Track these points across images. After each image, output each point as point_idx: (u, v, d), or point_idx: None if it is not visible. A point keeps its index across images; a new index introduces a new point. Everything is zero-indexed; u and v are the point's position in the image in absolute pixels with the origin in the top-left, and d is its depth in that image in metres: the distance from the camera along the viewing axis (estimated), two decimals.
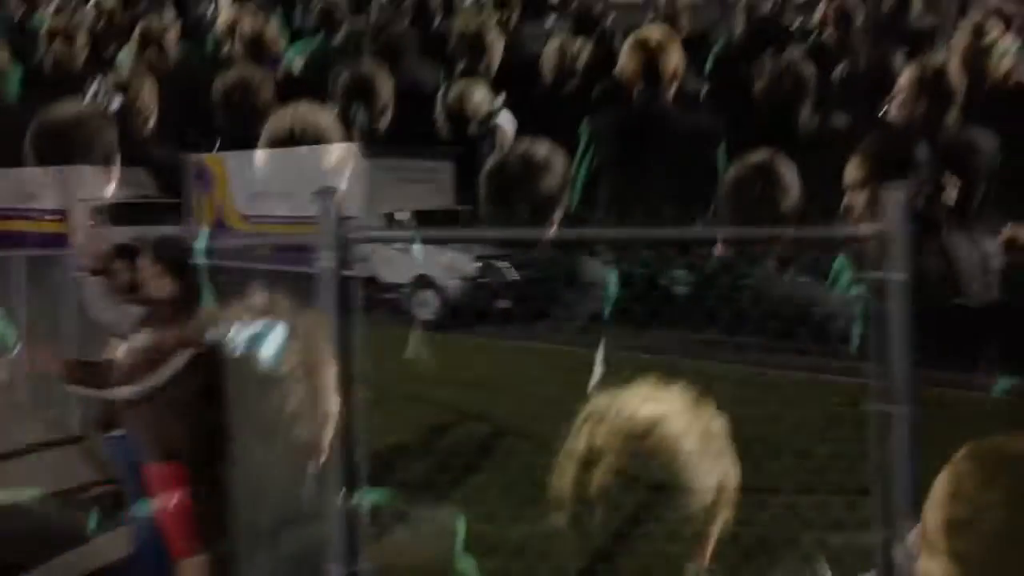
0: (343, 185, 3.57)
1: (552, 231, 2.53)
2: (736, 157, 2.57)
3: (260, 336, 1.22)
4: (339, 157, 4.37)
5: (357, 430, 1.93)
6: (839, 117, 3.89)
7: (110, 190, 3.41)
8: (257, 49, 4.63)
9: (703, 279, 2.59)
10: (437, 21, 5.54)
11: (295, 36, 5.89)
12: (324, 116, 2.66)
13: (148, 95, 3.52)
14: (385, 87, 3.56)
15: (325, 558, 1.58)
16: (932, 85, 3.57)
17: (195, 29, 5.97)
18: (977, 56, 4.45)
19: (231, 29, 5.05)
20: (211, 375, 1.72)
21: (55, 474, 3.34)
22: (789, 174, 2.41)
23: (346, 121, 3.48)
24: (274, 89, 3.78)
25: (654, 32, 4.05)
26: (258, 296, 1.37)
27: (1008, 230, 3.34)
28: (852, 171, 2.83)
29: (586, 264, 3.19)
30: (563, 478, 1.38)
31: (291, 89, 4.20)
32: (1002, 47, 4.59)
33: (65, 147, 3.41)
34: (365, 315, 1.63)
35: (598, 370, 2.58)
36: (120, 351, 2.15)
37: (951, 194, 2.90)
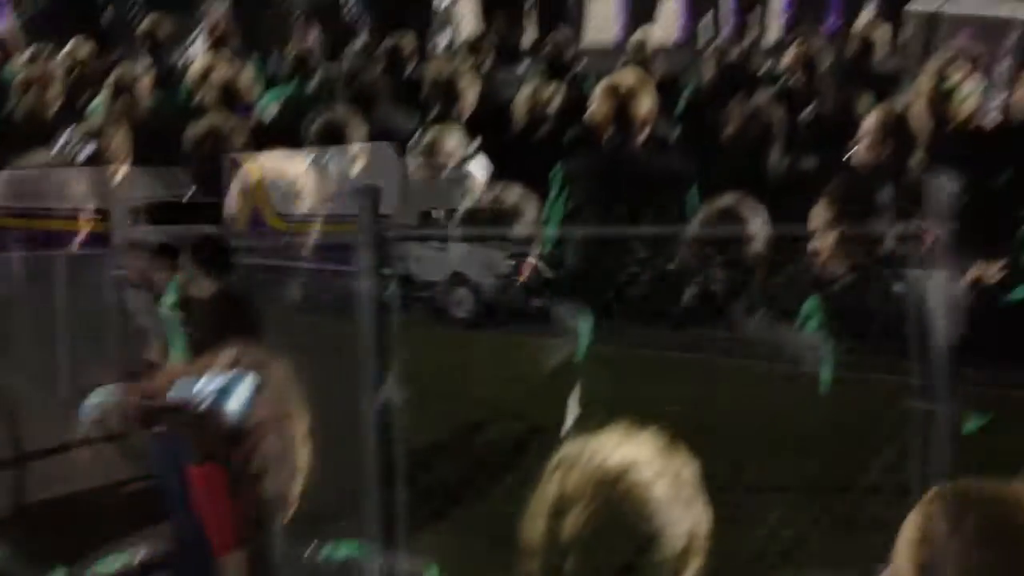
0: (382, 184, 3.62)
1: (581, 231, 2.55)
2: (706, 200, 2.59)
3: (227, 389, 1.21)
4: (376, 156, 4.42)
5: (394, 429, 1.96)
6: (807, 160, 3.95)
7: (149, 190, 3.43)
8: (231, 96, 4.65)
9: (742, 276, 2.60)
10: (410, 68, 5.60)
11: (269, 83, 5.93)
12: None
13: (120, 143, 3.52)
14: (359, 133, 3.59)
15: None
16: (897, 128, 3.64)
17: (169, 76, 6.00)
18: (941, 98, 4.54)
19: (205, 76, 5.07)
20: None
21: (95, 471, 3.31)
22: (757, 218, 2.44)
23: (319, 167, 3.49)
24: (247, 136, 3.79)
25: (626, 77, 4.11)
26: (227, 350, 1.37)
27: (975, 269, 3.40)
28: (819, 214, 2.87)
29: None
30: (534, 526, 1.37)
31: (265, 136, 4.22)
32: (966, 89, 4.68)
33: None
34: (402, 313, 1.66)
35: (572, 414, 2.59)
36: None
37: (918, 235, 2.94)
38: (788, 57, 5.60)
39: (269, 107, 5.15)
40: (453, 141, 3.65)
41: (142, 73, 4.92)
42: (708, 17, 10.14)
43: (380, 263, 1.70)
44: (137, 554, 2.82)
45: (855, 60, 5.88)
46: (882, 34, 6.09)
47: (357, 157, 3.57)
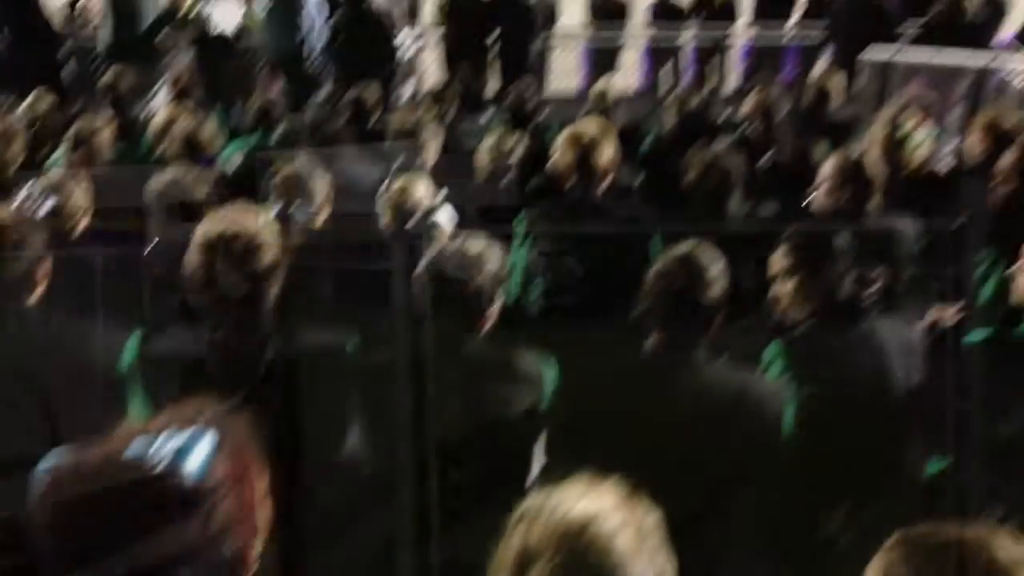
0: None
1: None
2: (668, 247, 2.62)
3: (186, 448, 1.19)
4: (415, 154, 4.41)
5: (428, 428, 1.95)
6: (766, 207, 4.00)
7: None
8: (193, 148, 4.64)
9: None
10: (374, 118, 5.63)
11: (233, 134, 5.93)
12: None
13: (81, 197, 3.49)
14: (321, 183, 3.59)
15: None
16: (853, 175, 3.71)
17: (131, 128, 5.98)
18: (896, 145, 4.63)
19: (167, 128, 5.06)
20: None
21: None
22: (715, 265, 2.47)
23: (284, 218, 3.48)
24: (210, 188, 3.78)
25: (588, 126, 4.16)
26: (184, 404, 1.35)
27: (932, 313, 3.45)
28: (777, 261, 2.90)
29: None
30: None
31: (228, 188, 4.21)
32: (919, 136, 4.79)
33: None
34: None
35: (537, 464, 2.57)
36: None
37: (875, 280, 2.99)
38: (746, 105, 5.69)
39: (232, 158, 5.15)
40: (420, 191, 3.67)
41: (103, 125, 4.89)
42: (668, 66, 10.33)
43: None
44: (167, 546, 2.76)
45: (811, 108, 5.99)
46: (837, 83, 6.22)
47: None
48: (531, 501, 1.44)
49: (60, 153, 4.92)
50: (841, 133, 5.77)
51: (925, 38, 7.92)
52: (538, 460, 2.57)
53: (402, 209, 3.59)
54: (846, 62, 8.20)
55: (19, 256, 2.60)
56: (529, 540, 1.38)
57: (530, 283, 3.84)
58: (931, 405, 2.70)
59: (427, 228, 3.52)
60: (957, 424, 2.59)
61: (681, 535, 1.47)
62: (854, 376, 2.75)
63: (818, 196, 3.76)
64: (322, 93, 7.36)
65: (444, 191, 3.76)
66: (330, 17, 8.95)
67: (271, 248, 2.48)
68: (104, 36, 9.39)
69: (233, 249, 2.42)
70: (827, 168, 3.78)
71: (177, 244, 2.52)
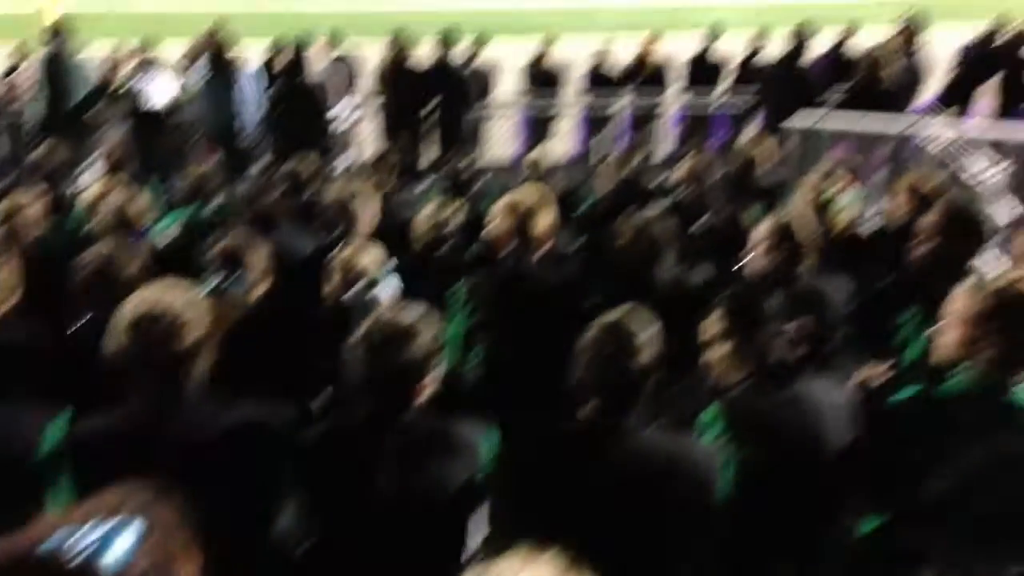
0: None
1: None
2: (602, 312, 2.63)
3: (107, 538, 1.16)
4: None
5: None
6: (699, 271, 4.05)
7: None
8: (125, 222, 4.58)
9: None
10: (310, 190, 5.61)
11: (168, 207, 5.87)
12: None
13: (9, 273, 3.42)
14: (259, 257, 3.56)
15: None
16: (784, 237, 3.77)
17: (63, 203, 5.88)
18: (822, 208, 4.76)
19: (99, 202, 4.99)
20: None
21: None
22: (647, 330, 2.49)
23: (220, 292, 3.44)
24: (142, 262, 3.72)
25: (524, 194, 4.19)
26: (109, 490, 1.31)
27: (863, 371, 3.52)
28: (712, 325, 2.94)
29: None
30: None
31: (162, 261, 4.15)
32: (845, 199, 4.93)
33: None
34: None
35: (476, 536, 2.55)
36: None
37: (806, 340, 3.04)
38: (680, 171, 5.79)
39: (166, 232, 5.09)
40: (365, 260, 3.66)
41: (34, 201, 4.81)
42: (602, 134, 10.53)
43: None
44: None
45: (742, 173, 6.10)
46: (766, 148, 6.36)
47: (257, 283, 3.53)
48: (471, 573, 1.43)
49: None
50: (771, 196, 5.90)
51: (848, 104, 8.20)
52: (478, 531, 2.54)
53: (346, 278, 3.58)
54: (774, 128, 8.44)
55: None
56: None
57: (468, 352, 3.83)
58: (864, 463, 2.74)
59: (365, 298, 3.50)
60: (889, 482, 2.63)
61: None
62: (789, 437, 2.78)
63: (751, 259, 3.80)
64: (259, 165, 7.36)
65: (390, 262, 3.75)
66: (267, 89, 8.98)
67: (197, 325, 2.45)
68: (36, 110, 9.29)
69: (157, 329, 2.38)
70: (759, 231, 3.82)
71: (104, 322, 2.47)
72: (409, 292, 3.63)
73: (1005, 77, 10.27)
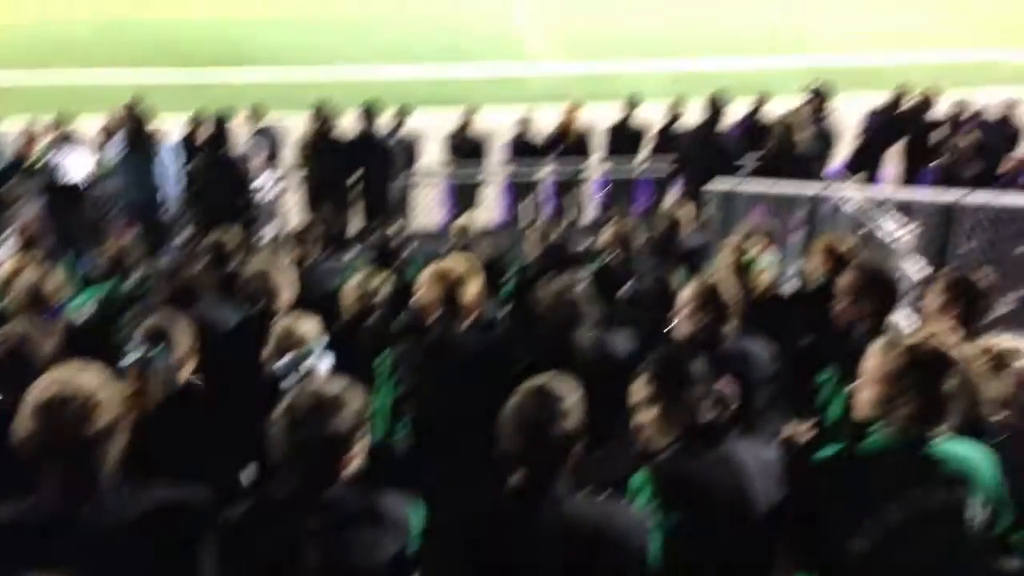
0: None
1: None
2: (527, 379, 2.63)
3: None
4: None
5: None
6: (622, 335, 4.08)
7: None
8: (39, 300, 4.44)
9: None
10: (234, 262, 5.54)
11: (86, 283, 5.73)
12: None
13: None
14: (183, 331, 3.48)
15: None
16: (709, 299, 3.82)
17: None
18: (742, 270, 4.85)
19: (12, 279, 4.84)
20: None
21: None
22: (572, 395, 2.49)
23: (143, 368, 3.34)
24: (57, 341, 3.61)
25: (453, 263, 4.19)
26: None
27: (786, 430, 3.56)
28: (639, 389, 2.95)
29: None
30: None
31: (78, 340, 4.04)
32: (764, 260, 5.04)
33: None
34: None
35: None
36: None
37: (732, 401, 3.06)
38: (604, 236, 5.86)
39: (81, 309, 4.96)
40: (303, 328, 3.61)
41: None
42: (528, 201, 10.64)
43: None
44: None
45: (664, 236, 6.21)
46: (687, 212, 6.49)
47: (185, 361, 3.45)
48: None
49: None
50: (694, 259, 6.01)
51: (763, 171, 8.44)
52: None
53: (280, 347, 3.53)
54: (694, 193, 8.64)
55: None
56: None
57: (396, 422, 3.78)
58: (790, 522, 2.76)
59: (299, 369, 3.44)
60: (815, 539, 2.65)
61: None
62: (718, 498, 2.79)
63: (678, 322, 3.84)
64: (181, 237, 7.24)
65: (325, 335, 3.70)
66: (187, 162, 8.90)
67: (109, 408, 2.36)
68: None
69: (67, 411, 2.29)
70: (684, 295, 3.87)
71: (16, 405, 2.37)
72: (338, 363, 3.58)
73: (910, 141, 10.71)
